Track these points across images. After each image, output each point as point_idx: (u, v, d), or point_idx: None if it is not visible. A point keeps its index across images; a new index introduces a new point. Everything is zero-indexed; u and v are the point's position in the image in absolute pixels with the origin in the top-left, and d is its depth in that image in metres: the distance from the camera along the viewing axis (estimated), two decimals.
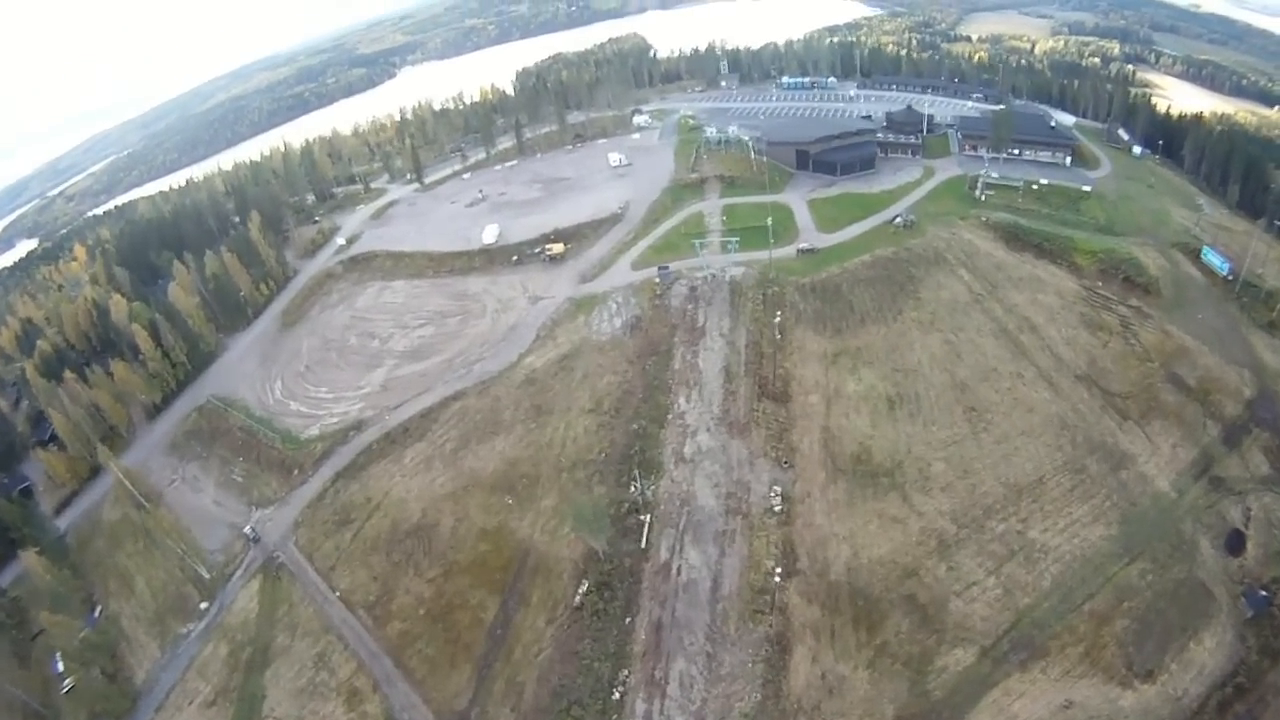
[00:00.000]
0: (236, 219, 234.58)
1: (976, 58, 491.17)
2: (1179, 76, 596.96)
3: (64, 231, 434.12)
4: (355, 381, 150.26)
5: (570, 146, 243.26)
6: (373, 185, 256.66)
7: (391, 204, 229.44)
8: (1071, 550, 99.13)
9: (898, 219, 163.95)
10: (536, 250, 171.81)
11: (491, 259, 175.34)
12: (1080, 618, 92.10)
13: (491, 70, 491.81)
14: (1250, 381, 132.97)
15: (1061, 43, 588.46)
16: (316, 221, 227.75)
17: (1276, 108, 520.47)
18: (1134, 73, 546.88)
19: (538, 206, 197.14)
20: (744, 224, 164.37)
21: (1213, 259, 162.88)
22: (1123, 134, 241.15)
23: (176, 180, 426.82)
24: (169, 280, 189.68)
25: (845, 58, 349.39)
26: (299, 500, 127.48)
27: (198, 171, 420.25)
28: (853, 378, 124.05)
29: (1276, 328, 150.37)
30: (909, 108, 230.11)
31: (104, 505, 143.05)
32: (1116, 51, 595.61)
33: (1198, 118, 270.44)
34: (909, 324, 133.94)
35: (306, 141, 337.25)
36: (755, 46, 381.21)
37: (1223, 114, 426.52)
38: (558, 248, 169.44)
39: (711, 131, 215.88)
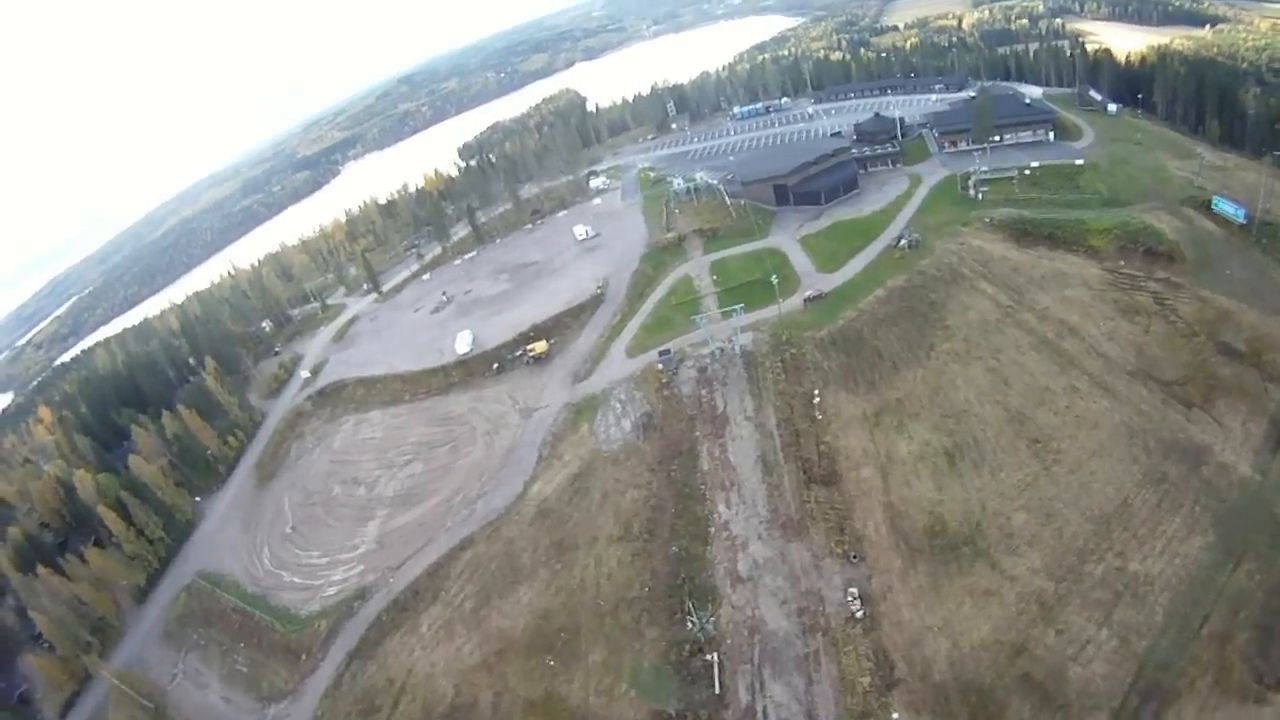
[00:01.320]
0: (193, 360, 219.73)
1: (910, 44, 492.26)
2: (1107, 19, 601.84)
3: (35, 383, 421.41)
4: (348, 540, 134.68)
5: (530, 225, 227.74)
6: (329, 302, 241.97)
7: (352, 321, 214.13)
8: (1176, 572, 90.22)
9: (901, 241, 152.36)
10: (518, 353, 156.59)
11: (470, 371, 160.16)
12: (1201, 645, 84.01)
13: (434, 151, 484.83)
14: None
15: (986, 12, 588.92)
16: (277, 353, 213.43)
17: (1207, 27, 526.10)
18: (1064, 25, 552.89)
19: (508, 301, 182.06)
20: (738, 280, 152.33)
21: (1225, 208, 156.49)
22: (1094, 94, 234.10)
23: (138, 315, 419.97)
24: (133, 442, 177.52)
25: (792, 74, 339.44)
26: (313, 690, 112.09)
27: (158, 303, 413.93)
28: (902, 437, 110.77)
29: None
30: (877, 115, 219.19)
31: (109, 709, 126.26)
32: (1042, 8, 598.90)
33: (1162, 57, 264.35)
34: (945, 359, 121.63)
35: (254, 265, 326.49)
36: (694, 79, 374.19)
37: (1159, 45, 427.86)
38: (540, 346, 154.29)
39: (678, 182, 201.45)
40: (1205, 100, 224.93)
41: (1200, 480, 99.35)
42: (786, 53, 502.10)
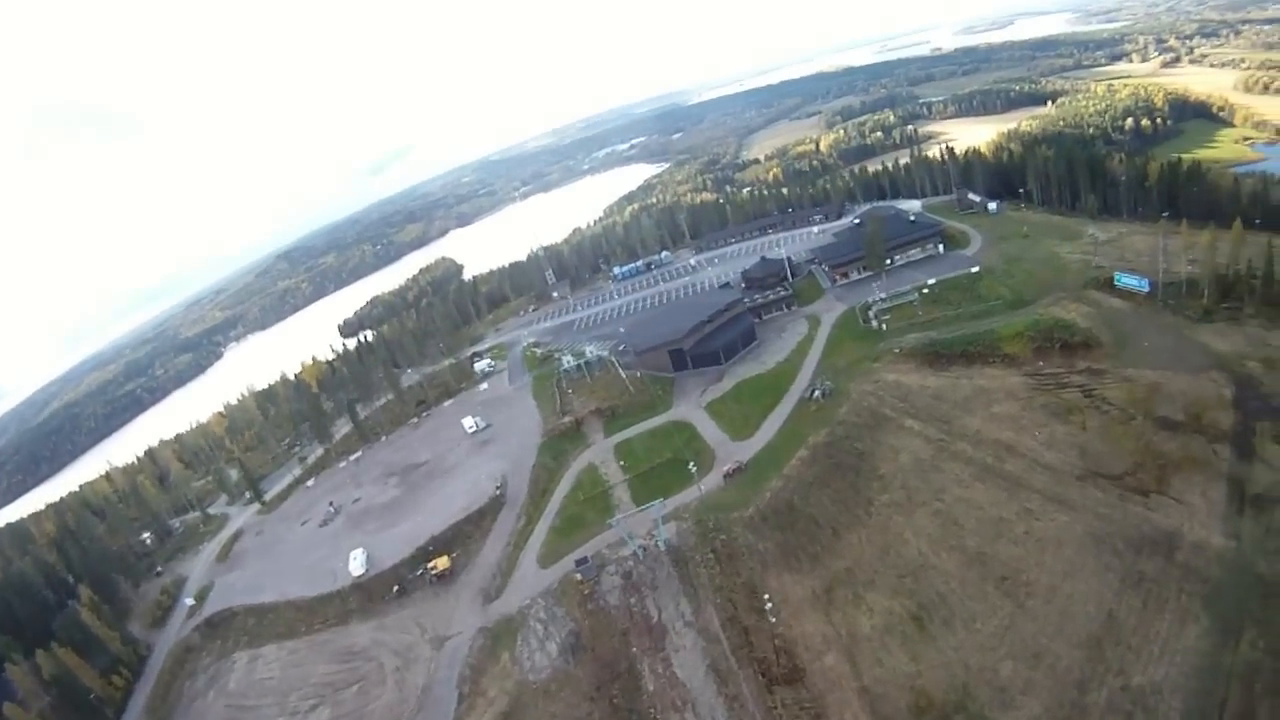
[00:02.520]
0: (71, 578, 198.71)
1: (772, 175, 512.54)
2: (955, 116, 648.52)
3: None
4: None
5: (415, 420, 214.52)
6: (211, 511, 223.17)
7: (236, 537, 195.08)
8: (1180, 671, 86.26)
9: (814, 392, 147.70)
10: (418, 571, 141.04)
11: (369, 595, 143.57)
12: None
13: (315, 328, 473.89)
14: (1224, 380, 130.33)
15: (841, 132, 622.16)
16: (159, 574, 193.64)
17: (1049, 104, 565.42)
18: (916, 130, 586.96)
19: (401, 510, 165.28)
20: (648, 463, 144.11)
21: (1129, 281, 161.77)
22: (972, 196, 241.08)
23: (21, 508, 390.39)
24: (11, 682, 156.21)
25: (668, 224, 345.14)
26: None
27: (41, 496, 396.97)
28: (861, 611, 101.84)
29: (1211, 314, 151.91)
30: (763, 258, 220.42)
31: None
32: (892, 119, 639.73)
33: (1029, 147, 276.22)
34: (887, 512, 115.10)
35: (132, 464, 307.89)
36: (570, 239, 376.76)
37: (1009, 130, 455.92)
38: (442, 562, 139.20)
39: (567, 360, 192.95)
40: (1077, 178, 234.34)
41: (1178, 567, 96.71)
42: (655, 200, 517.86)
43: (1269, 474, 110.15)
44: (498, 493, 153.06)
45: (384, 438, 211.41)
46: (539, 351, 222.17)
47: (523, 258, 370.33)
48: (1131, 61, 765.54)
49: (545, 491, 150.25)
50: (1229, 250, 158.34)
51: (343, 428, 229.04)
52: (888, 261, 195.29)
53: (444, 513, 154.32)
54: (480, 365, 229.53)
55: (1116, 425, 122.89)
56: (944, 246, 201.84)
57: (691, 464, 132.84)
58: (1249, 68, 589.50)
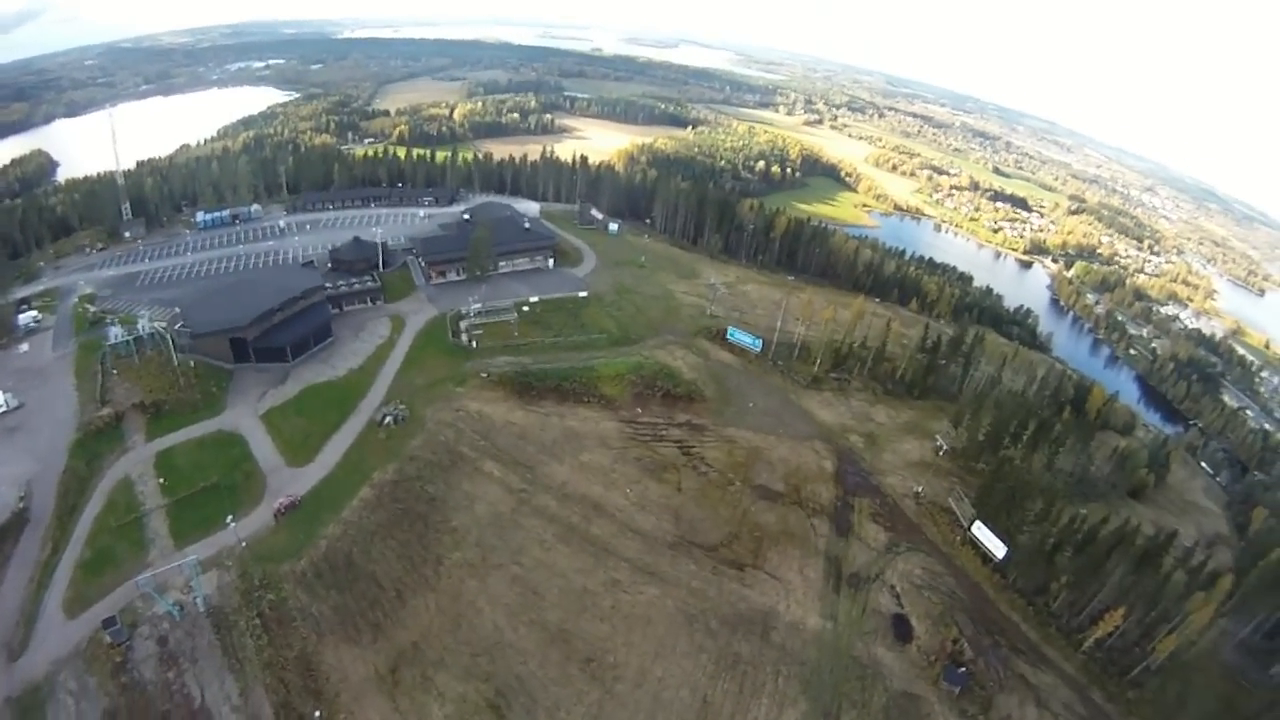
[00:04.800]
0: None
1: (398, 131, 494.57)
2: (596, 117, 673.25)
3: None
4: None
5: None
6: None
7: None
8: None
9: (385, 418, 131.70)
10: None
11: None
12: None
13: None
14: (827, 452, 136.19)
15: (479, 104, 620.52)
16: None
17: (690, 129, 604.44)
18: (553, 120, 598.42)
19: None
20: (192, 484, 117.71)
21: (742, 338, 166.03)
22: (595, 213, 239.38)
23: None
24: None
25: (268, 172, 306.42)
26: None
27: None
28: (431, 696, 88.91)
29: (821, 381, 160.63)
30: (357, 239, 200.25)
31: None
32: (534, 104, 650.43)
33: (664, 175, 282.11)
34: (459, 574, 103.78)
35: None
36: (172, 155, 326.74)
37: (644, 144, 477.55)
38: None
39: (116, 331, 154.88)
40: (706, 215, 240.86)
41: (774, 648, 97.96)
42: (274, 131, 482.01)
43: (865, 553, 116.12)
44: (21, 506, 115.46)
45: None
46: (92, 310, 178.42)
47: (99, 177, 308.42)
48: (778, 112, 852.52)
49: (74, 509, 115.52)
50: (848, 319, 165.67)
51: None
52: (491, 268, 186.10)
53: None
54: (24, 317, 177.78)
55: (714, 489, 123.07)
56: (554, 261, 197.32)
57: (230, 517, 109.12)
58: (883, 147, 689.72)
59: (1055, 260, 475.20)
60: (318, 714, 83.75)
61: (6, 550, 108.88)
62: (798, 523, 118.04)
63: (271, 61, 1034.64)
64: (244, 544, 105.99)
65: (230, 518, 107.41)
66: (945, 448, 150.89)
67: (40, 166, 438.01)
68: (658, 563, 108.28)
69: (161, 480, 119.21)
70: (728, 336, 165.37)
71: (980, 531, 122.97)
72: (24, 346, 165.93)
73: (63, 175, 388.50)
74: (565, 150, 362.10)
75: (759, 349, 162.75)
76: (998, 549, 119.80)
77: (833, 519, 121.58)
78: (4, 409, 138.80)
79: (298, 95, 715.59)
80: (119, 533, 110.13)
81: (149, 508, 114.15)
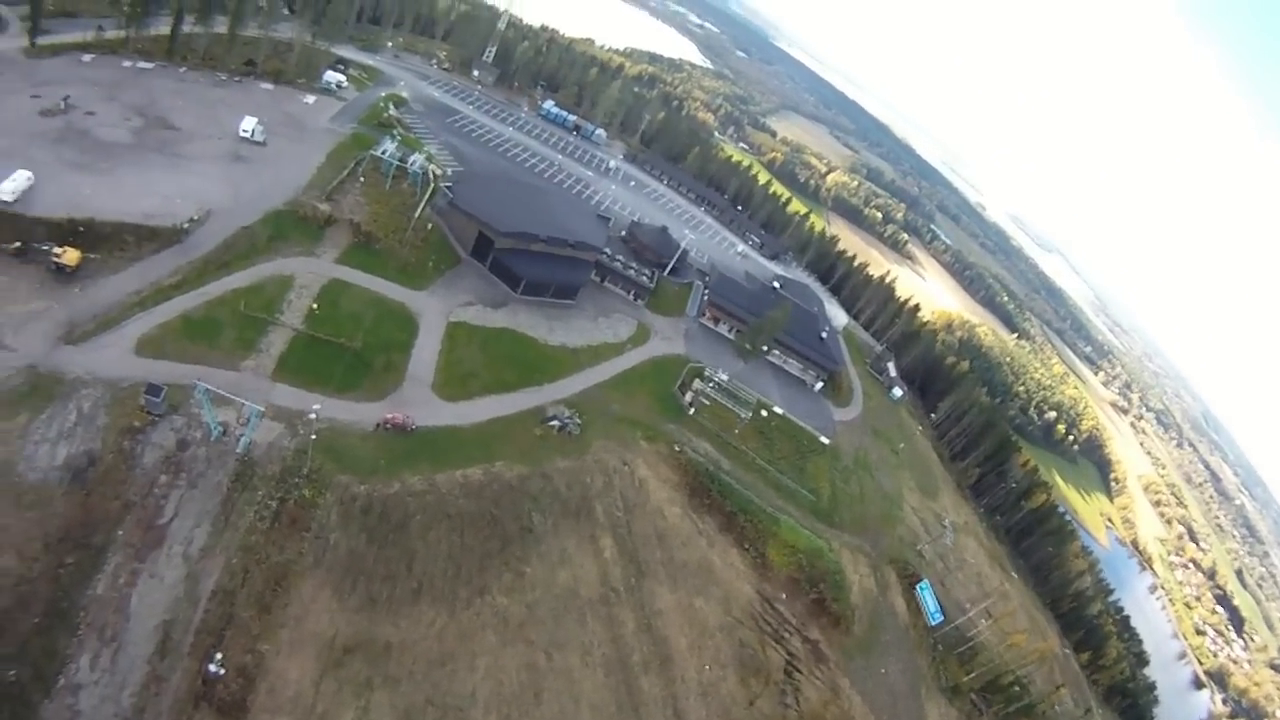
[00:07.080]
0: None
1: (771, 155, 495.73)
2: (943, 265, 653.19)
3: None
4: None
5: (224, 76, 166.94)
6: None
7: None
8: None
9: (554, 420, 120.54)
10: (45, 245, 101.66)
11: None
12: None
13: None
14: None
15: (855, 181, 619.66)
16: None
17: (1015, 335, 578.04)
18: (905, 242, 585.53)
19: (111, 160, 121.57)
20: (334, 331, 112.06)
21: (927, 600, 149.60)
22: (890, 368, 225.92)
23: None
24: None
25: (633, 112, 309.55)
26: None
27: None
28: (357, 703, 77.45)
29: (960, 693, 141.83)
30: (664, 230, 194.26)
31: None
32: (901, 216, 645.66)
33: (969, 377, 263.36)
34: (487, 617, 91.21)
35: None
36: (548, 30, 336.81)
37: (969, 321, 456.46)
38: (72, 255, 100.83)
39: (390, 149, 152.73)
40: (981, 442, 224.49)
41: None
42: (671, 80, 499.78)
43: None
44: (189, 223, 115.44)
45: (182, 70, 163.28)
46: (395, 113, 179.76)
47: (488, 8, 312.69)
48: (1095, 374, 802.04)
49: (227, 265, 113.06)
50: (1031, 652, 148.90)
51: (161, 28, 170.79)
52: (762, 352, 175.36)
53: (128, 198, 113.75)
54: (331, 76, 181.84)
55: None
56: (822, 386, 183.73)
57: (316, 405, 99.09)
58: (1164, 475, 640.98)
59: (1225, 703, 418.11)
60: (218, 656, 73.33)
61: (146, 249, 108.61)
62: None
63: (707, 25, 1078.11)
64: (324, 425, 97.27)
65: (317, 405, 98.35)
66: None
67: None
68: None
69: (314, 306, 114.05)
70: (917, 588, 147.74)
71: None
72: (310, 99, 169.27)
73: None
74: (902, 278, 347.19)
75: (934, 623, 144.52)
76: None
77: None
78: (249, 136, 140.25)
79: (710, 65, 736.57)
80: (240, 319, 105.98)
81: (283, 321, 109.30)
